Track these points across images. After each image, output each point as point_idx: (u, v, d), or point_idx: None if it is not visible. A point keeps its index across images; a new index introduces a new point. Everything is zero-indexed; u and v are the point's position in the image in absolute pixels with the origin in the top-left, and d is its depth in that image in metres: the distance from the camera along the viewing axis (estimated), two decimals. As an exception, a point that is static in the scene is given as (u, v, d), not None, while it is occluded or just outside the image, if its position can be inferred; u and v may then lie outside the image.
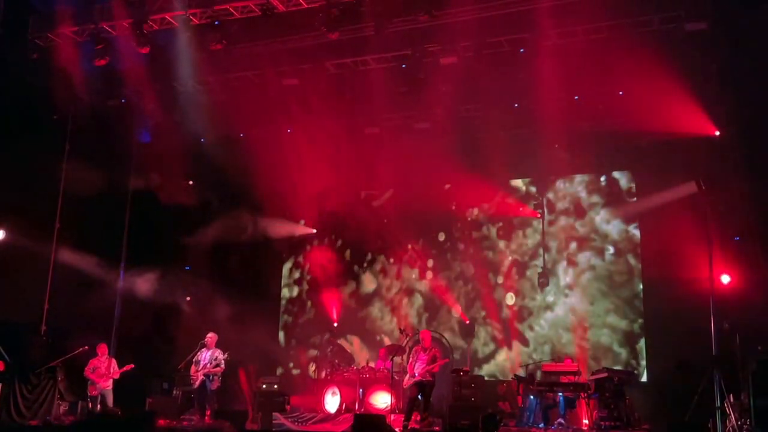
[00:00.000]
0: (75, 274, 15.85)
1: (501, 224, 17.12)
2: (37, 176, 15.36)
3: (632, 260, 15.82)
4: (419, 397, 12.54)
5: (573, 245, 16.41)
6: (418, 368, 12.61)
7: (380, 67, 15.23)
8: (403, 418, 12.53)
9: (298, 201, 18.92)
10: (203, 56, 14.87)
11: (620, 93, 14.74)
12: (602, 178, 16.42)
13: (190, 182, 17.24)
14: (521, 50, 14.24)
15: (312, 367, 17.15)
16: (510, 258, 16.88)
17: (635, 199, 15.97)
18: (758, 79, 12.74)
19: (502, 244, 17.03)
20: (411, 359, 12.92)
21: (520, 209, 16.97)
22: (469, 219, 17.45)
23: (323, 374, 15.89)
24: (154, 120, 16.65)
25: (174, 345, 15.53)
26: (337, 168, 17.22)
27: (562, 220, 16.62)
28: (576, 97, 15.11)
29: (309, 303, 18.49)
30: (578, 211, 16.54)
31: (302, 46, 14.88)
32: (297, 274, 18.90)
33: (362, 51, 14.90)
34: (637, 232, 15.86)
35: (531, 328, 16.38)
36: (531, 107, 15.36)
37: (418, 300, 17.56)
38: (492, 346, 16.66)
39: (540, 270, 16.24)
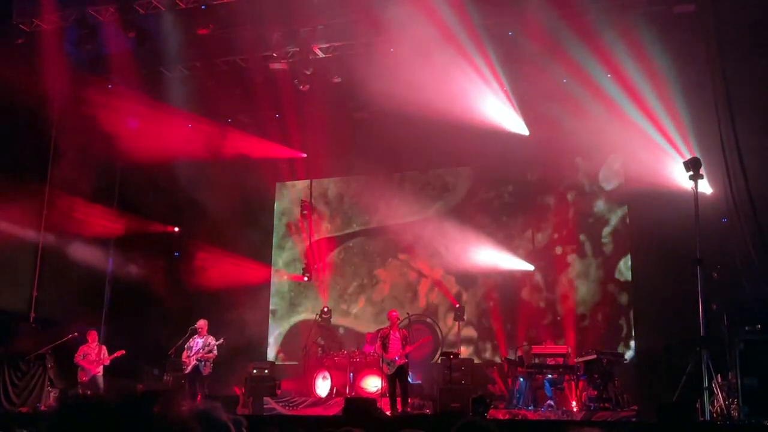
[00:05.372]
0: (64, 260, 15.79)
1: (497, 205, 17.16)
2: (23, 162, 15.27)
3: (621, 241, 15.89)
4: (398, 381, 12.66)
5: (562, 227, 16.45)
6: (393, 350, 12.65)
7: (368, 51, 15.15)
8: (389, 405, 12.59)
9: (289, 186, 19.01)
10: (190, 40, 14.77)
11: (608, 75, 14.73)
12: (591, 161, 16.42)
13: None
14: (509, 33, 14.23)
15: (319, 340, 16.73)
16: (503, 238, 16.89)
17: (624, 181, 15.98)
18: (747, 61, 12.79)
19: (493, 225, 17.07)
20: (379, 342, 12.97)
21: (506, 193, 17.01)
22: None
23: (318, 353, 15.89)
24: (140, 105, 16.52)
25: (164, 331, 15.49)
26: (329, 153, 17.25)
27: (549, 202, 16.66)
28: (564, 80, 15.09)
29: (301, 287, 18.46)
30: (566, 193, 16.55)
31: (290, 30, 14.79)
32: (292, 257, 18.87)
33: (350, 35, 14.83)
34: (626, 214, 15.92)
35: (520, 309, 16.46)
36: (519, 91, 15.35)
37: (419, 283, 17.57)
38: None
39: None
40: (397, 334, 12.85)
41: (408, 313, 14.83)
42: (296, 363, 17.01)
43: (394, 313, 13.32)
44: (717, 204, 12.73)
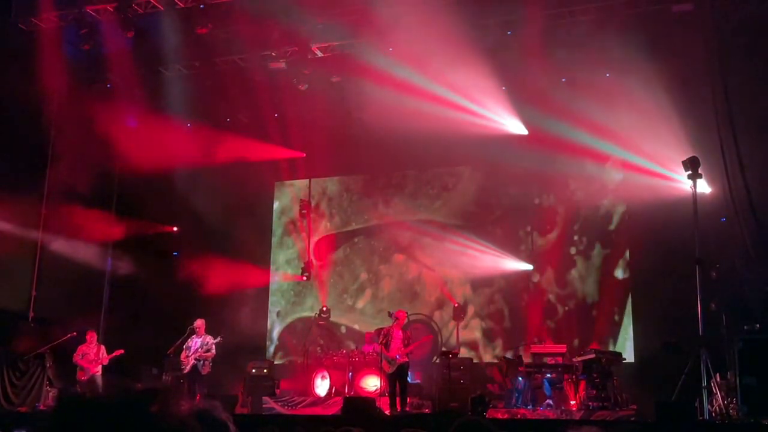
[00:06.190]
0: (62, 260, 15.76)
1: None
2: (22, 161, 15.25)
3: (620, 240, 15.88)
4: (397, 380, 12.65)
5: (561, 226, 16.44)
6: (395, 348, 12.64)
7: (367, 51, 15.14)
8: (389, 404, 12.57)
9: (288, 186, 19.01)
10: (189, 40, 14.77)
11: (607, 74, 14.73)
12: (590, 160, 16.39)
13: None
14: (509, 32, 14.23)
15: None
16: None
17: (623, 180, 15.95)
18: (746, 60, 12.79)
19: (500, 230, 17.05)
20: (382, 339, 12.96)
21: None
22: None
23: (317, 352, 15.88)
24: (139, 104, 16.50)
25: (163, 331, 15.50)
26: (328, 152, 17.26)
27: (549, 201, 16.65)
28: (563, 80, 15.10)
29: (301, 285, 18.45)
30: (565, 192, 16.55)
31: (289, 29, 14.79)
32: (291, 257, 18.87)
33: (349, 35, 14.82)
34: (625, 213, 15.91)
35: (520, 309, 16.45)
36: (518, 90, 15.35)
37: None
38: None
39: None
40: (400, 333, 12.84)
41: (407, 313, 14.80)
42: (296, 361, 17.01)
43: (403, 314, 13.29)
44: (716, 203, 12.74)
